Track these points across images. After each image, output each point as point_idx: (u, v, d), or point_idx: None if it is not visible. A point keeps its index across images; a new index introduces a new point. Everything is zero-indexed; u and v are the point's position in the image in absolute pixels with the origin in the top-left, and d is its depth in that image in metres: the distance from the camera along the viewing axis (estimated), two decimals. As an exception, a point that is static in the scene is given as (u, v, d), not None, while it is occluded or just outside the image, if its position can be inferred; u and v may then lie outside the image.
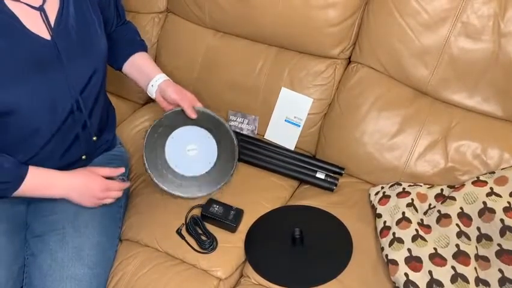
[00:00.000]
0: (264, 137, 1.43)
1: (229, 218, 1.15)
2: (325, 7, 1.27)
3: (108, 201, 1.09)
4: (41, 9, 0.95)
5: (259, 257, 1.11)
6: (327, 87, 1.37)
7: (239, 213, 1.17)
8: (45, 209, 1.08)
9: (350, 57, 1.37)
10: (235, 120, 1.44)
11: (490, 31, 1.15)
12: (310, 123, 1.39)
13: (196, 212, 1.19)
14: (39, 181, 1.00)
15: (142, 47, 1.22)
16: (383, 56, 1.28)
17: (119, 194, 1.10)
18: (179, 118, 1.14)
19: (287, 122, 1.40)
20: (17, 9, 0.91)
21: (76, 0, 1.00)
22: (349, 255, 1.09)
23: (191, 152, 1.21)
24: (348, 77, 1.34)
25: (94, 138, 1.12)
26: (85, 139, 1.09)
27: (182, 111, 1.12)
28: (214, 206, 1.17)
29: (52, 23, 0.96)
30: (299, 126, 1.39)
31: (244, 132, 1.44)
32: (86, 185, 1.04)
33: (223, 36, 1.44)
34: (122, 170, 1.11)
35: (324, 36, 1.31)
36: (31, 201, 1.12)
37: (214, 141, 1.20)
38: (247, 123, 1.44)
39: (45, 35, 0.95)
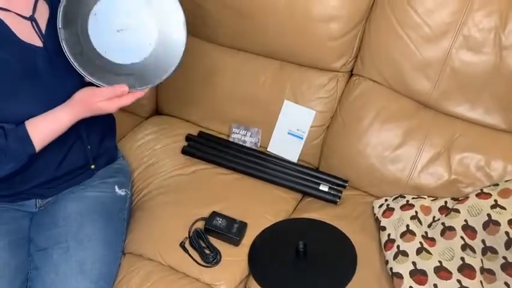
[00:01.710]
0: (267, 150, 1.43)
1: (233, 231, 1.15)
2: (327, 21, 1.28)
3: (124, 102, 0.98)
4: (31, 18, 0.97)
5: (263, 271, 1.11)
6: (329, 100, 1.37)
7: (242, 226, 1.17)
8: (48, 223, 1.08)
9: (352, 70, 1.38)
10: (238, 133, 1.45)
11: (491, 44, 1.15)
12: (313, 136, 1.39)
13: (200, 225, 1.18)
14: (46, 129, 0.97)
15: None
16: (385, 69, 1.29)
17: (129, 99, 0.98)
18: None
19: (290, 135, 1.40)
20: (8, 19, 0.93)
21: None
22: (353, 268, 1.08)
23: (123, 32, 0.99)
24: (351, 90, 1.35)
25: (89, 146, 1.12)
26: (79, 148, 1.10)
27: None
28: (218, 219, 1.17)
29: (43, 30, 0.98)
30: (302, 138, 1.39)
31: (247, 144, 1.44)
32: (88, 100, 0.98)
33: (227, 50, 1.46)
34: (124, 87, 0.97)
35: (326, 49, 1.32)
36: (34, 215, 1.12)
37: (151, 15, 0.98)
38: (250, 136, 1.44)
39: (38, 42, 0.97)
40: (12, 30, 0.94)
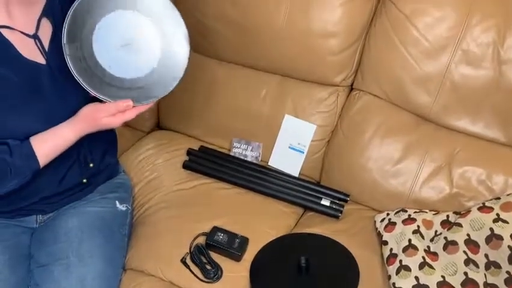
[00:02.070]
0: (268, 164, 1.43)
1: (234, 246, 1.14)
2: (326, 36, 1.30)
3: (127, 117, 0.98)
4: (35, 36, 0.98)
5: (264, 287, 1.10)
6: (330, 114, 1.38)
7: (244, 241, 1.16)
8: (49, 239, 1.07)
9: (352, 85, 1.38)
10: (239, 147, 1.45)
11: (489, 58, 1.16)
12: (314, 150, 1.39)
13: (201, 240, 1.18)
14: (51, 145, 0.98)
15: None
16: (385, 83, 1.29)
17: (133, 113, 0.98)
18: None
19: (291, 149, 1.40)
20: (12, 37, 0.94)
21: None
22: (356, 283, 1.08)
23: (126, 47, 0.99)
24: (351, 104, 1.35)
25: (91, 164, 1.13)
26: (80, 165, 1.10)
27: None
28: (219, 234, 1.17)
29: (46, 48, 0.99)
30: (303, 152, 1.39)
31: (248, 159, 1.44)
32: (93, 116, 0.99)
33: (227, 65, 1.47)
34: (128, 102, 0.97)
35: (326, 64, 1.33)
36: (35, 231, 1.11)
37: (155, 30, 0.99)
38: (251, 150, 1.44)
39: (41, 60, 0.98)
40: (16, 48, 0.95)
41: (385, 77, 1.29)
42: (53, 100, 0.99)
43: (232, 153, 1.45)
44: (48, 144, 0.98)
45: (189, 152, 1.46)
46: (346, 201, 1.31)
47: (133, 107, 0.99)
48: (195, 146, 1.48)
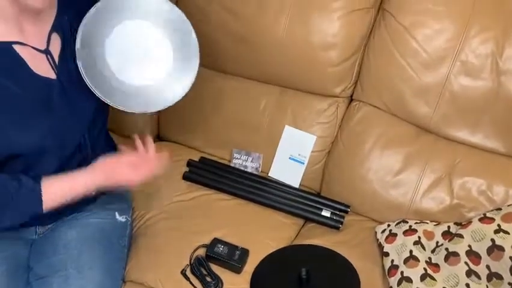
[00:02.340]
0: (269, 175, 1.43)
1: (234, 258, 1.14)
2: (326, 48, 1.30)
3: (152, 171, 0.98)
4: (46, 51, 0.98)
5: None
6: (330, 125, 1.38)
7: (244, 253, 1.16)
8: (48, 251, 1.07)
9: (351, 96, 1.39)
10: (240, 158, 1.45)
11: (488, 69, 1.17)
12: (314, 161, 1.39)
13: (201, 252, 1.17)
14: (59, 193, 0.97)
15: None
16: (384, 94, 1.30)
17: (157, 163, 0.98)
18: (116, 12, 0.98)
19: (291, 160, 1.40)
20: (24, 53, 0.94)
21: (75, 34, 1.02)
22: None
23: (138, 54, 1.02)
24: (351, 115, 1.36)
25: None
26: None
27: None
28: (219, 245, 1.16)
29: (57, 62, 0.99)
30: (303, 163, 1.39)
31: (249, 170, 1.44)
32: (112, 167, 0.98)
33: (227, 76, 1.47)
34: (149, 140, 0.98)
35: (325, 75, 1.34)
36: (34, 242, 1.11)
37: (167, 42, 1.02)
38: (251, 161, 1.44)
39: (51, 75, 0.98)
40: (28, 64, 0.95)
41: (384, 88, 1.29)
42: (64, 115, 0.99)
43: (232, 164, 1.45)
44: (56, 189, 0.97)
45: (189, 163, 1.46)
46: (347, 212, 1.31)
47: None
48: (195, 157, 1.48)
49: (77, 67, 0.98)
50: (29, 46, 0.95)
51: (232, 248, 1.16)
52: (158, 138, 1.61)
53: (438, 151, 1.25)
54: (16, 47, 0.93)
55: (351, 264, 1.14)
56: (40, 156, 0.97)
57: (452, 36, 1.19)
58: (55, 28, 0.99)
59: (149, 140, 1.04)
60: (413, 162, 1.26)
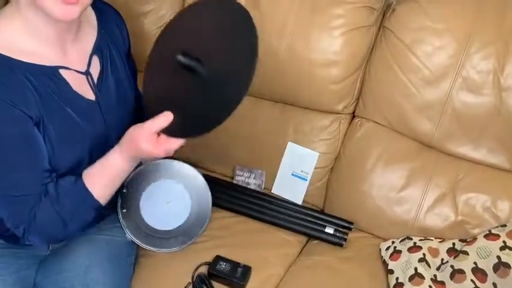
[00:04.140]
0: (271, 192, 1.42)
1: (237, 275, 1.12)
2: (328, 65, 1.31)
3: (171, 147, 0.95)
4: (87, 73, 0.99)
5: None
6: (332, 142, 1.38)
7: (246, 270, 1.14)
8: (56, 267, 1.06)
9: (354, 112, 1.39)
10: (242, 175, 1.45)
11: (490, 85, 1.17)
12: (317, 177, 1.39)
13: (203, 269, 1.16)
14: (100, 175, 0.98)
15: None
16: (386, 110, 1.30)
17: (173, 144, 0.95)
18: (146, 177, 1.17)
19: (294, 176, 1.40)
20: (68, 75, 0.95)
21: (112, 59, 1.05)
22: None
23: (166, 206, 1.20)
24: (353, 132, 1.36)
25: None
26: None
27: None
28: (221, 263, 1.15)
29: (95, 84, 1.01)
30: (306, 180, 1.39)
31: (251, 187, 1.44)
32: (132, 138, 0.96)
33: (230, 93, 1.48)
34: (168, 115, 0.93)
35: (327, 93, 1.35)
36: (44, 258, 1.09)
37: (186, 193, 1.20)
38: (253, 178, 1.44)
39: (91, 96, 0.99)
40: (71, 86, 0.96)
41: (386, 105, 1.30)
42: (101, 136, 1.01)
43: (235, 181, 1.45)
44: (100, 178, 0.98)
45: (192, 180, 1.45)
46: (350, 229, 1.30)
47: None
48: (198, 174, 1.48)
49: (115, 89, 1.04)
50: (72, 69, 0.96)
51: (235, 265, 1.15)
52: (161, 155, 1.62)
53: (442, 167, 1.25)
54: (61, 71, 0.95)
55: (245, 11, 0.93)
56: (71, 172, 0.98)
57: (453, 52, 1.20)
58: (96, 51, 1.02)
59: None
60: (417, 179, 1.25)
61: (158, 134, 0.95)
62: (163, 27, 1.03)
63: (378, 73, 1.30)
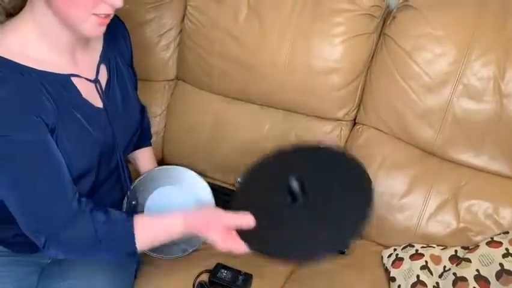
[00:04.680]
0: (273, 199, 1.42)
1: (238, 283, 1.12)
2: (328, 73, 1.32)
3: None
4: (96, 81, 1.00)
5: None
6: (334, 149, 1.39)
7: (248, 278, 1.14)
8: (57, 275, 1.05)
9: (355, 119, 1.40)
10: (244, 183, 1.45)
11: (491, 92, 1.17)
12: (318, 185, 1.39)
13: (204, 277, 1.16)
14: (153, 231, 0.97)
15: (148, 141, 1.31)
16: (387, 117, 1.30)
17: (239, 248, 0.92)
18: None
19: (295, 184, 1.40)
20: (78, 84, 0.96)
21: (118, 68, 1.06)
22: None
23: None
24: (355, 138, 1.36)
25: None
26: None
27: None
28: (222, 271, 1.15)
29: (103, 92, 1.01)
30: (307, 187, 1.39)
31: (253, 194, 1.44)
32: (205, 224, 0.96)
33: (231, 101, 1.49)
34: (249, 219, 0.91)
35: (328, 100, 1.35)
36: (46, 266, 1.09)
37: (191, 200, 1.19)
38: (255, 186, 1.44)
39: (99, 103, 1.00)
40: (82, 94, 0.96)
41: (387, 112, 1.30)
42: (109, 143, 1.01)
43: (236, 189, 1.45)
44: (152, 232, 0.97)
45: (193, 188, 1.45)
46: (352, 236, 1.29)
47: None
48: (199, 181, 1.48)
49: (121, 98, 1.05)
50: (83, 77, 0.97)
51: (236, 273, 1.14)
52: (162, 162, 1.62)
53: (443, 174, 1.24)
54: (73, 78, 0.95)
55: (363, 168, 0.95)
56: (79, 179, 0.97)
57: (453, 59, 1.20)
58: (103, 59, 1.03)
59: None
60: (418, 185, 1.25)
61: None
62: (283, 147, 1.05)
63: (379, 80, 1.31)
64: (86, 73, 0.98)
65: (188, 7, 1.48)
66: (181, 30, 1.54)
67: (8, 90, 0.84)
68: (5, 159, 0.86)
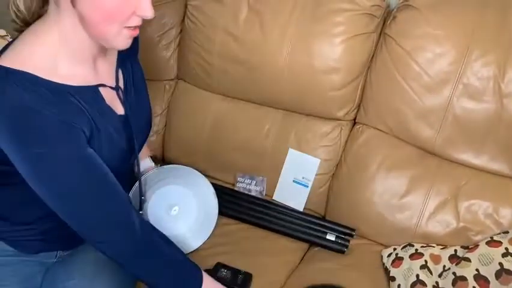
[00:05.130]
0: (273, 198, 1.43)
1: (238, 282, 1.12)
2: (328, 72, 1.32)
3: None
4: (117, 88, 1.00)
5: None
6: (333, 148, 1.39)
7: (247, 277, 1.14)
8: (62, 275, 1.05)
9: (355, 119, 1.40)
10: (243, 182, 1.45)
11: (491, 92, 1.17)
12: (318, 184, 1.39)
13: (204, 276, 1.16)
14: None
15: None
16: (387, 117, 1.30)
17: None
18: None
19: (295, 183, 1.40)
20: (104, 93, 0.96)
21: (133, 70, 1.06)
22: None
23: (172, 211, 1.22)
24: (355, 138, 1.36)
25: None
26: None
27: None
28: (222, 270, 1.15)
29: (124, 98, 1.01)
30: (307, 186, 1.39)
31: (253, 193, 1.44)
32: None
33: (231, 100, 1.49)
34: None
35: (328, 99, 1.35)
36: (51, 266, 1.09)
37: (192, 198, 1.23)
38: (255, 185, 1.44)
39: (121, 110, 1.00)
40: (107, 103, 0.96)
41: (387, 111, 1.30)
42: (130, 148, 1.02)
43: (236, 188, 1.45)
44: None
45: (193, 187, 1.46)
46: (352, 236, 1.29)
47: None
48: (199, 180, 1.48)
49: (136, 100, 1.05)
50: (107, 86, 0.97)
51: (236, 272, 1.14)
52: (163, 161, 1.62)
53: (443, 174, 1.24)
54: (100, 89, 0.95)
55: None
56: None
57: (453, 59, 1.20)
58: (120, 65, 1.03)
59: None
60: (418, 185, 1.25)
61: None
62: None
63: (379, 80, 1.31)
64: (107, 81, 0.98)
65: (188, 7, 1.48)
66: (181, 30, 1.55)
67: (48, 109, 0.83)
68: (62, 176, 0.86)
